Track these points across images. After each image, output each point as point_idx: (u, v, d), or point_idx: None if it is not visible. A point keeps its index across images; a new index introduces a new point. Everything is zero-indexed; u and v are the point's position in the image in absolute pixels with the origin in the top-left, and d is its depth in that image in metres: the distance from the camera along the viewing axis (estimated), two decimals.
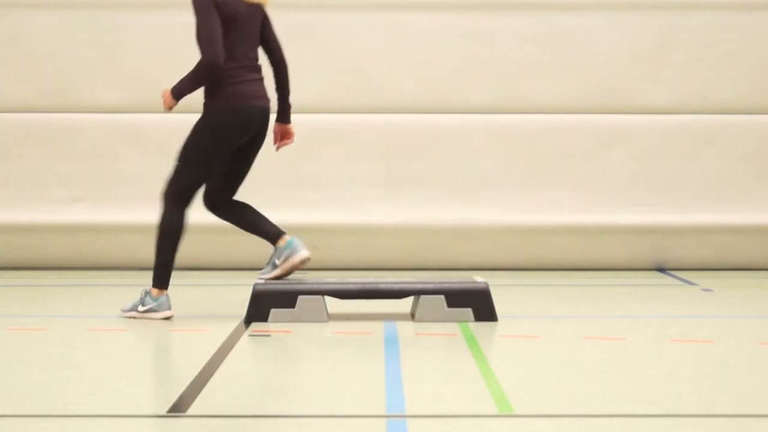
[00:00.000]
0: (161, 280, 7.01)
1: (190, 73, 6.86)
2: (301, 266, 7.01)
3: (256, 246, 9.86)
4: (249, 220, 7.25)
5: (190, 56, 9.88)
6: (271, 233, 7.10)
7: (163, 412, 4.66)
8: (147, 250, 9.84)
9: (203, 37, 6.75)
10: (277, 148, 7.29)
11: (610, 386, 5.21)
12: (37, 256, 9.88)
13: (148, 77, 9.89)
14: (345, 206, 9.85)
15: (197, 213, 9.89)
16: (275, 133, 7.24)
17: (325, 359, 5.96)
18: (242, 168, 7.18)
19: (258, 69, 6.99)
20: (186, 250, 9.85)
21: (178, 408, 4.72)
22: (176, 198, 7.04)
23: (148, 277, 9.42)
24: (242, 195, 9.90)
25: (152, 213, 9.87)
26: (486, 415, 4.64)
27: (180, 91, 6.90)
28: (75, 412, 4.69)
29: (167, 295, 7.03)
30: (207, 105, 6.93)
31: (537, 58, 9.96)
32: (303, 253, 6.98)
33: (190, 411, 4.69)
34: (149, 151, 9.88)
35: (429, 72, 9.99)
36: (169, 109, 7.00)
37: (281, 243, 7.03)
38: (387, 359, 5.81)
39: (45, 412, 4.68)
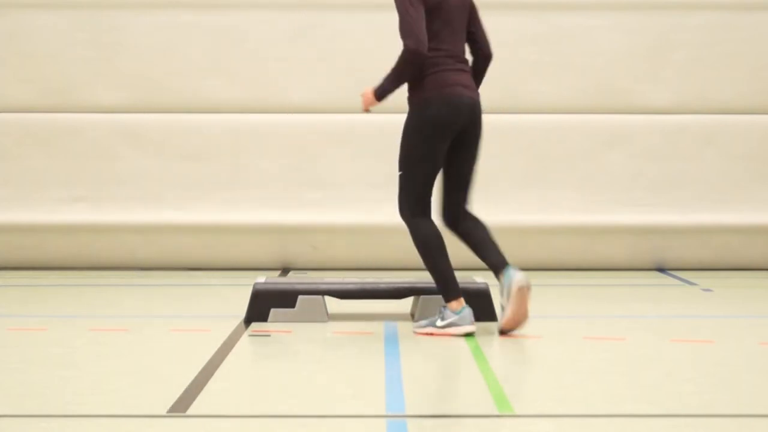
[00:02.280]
0: (451, 291, 6.54)
1: (392, 69, 6.50)
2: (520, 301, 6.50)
3: (256, 246, 9.90)
4: (476, 242, 6.78)
5: (191, 56, 9.94)
6: (495, 264, 6.63)
7: (163, 412, 4.67)
8: (147, 250, 9.90)
9: (405, 27, 6.42)
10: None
11: (610, 386, 5.21)
12: (37, 256, 9.88)
13: (148, 77, 9.90)
14: (345, 206, 9.85)
15: (198, 213, 9.92)
16: None
17: (325, 359, 5.96)
18: (460, 170, 6.79)
19: (465, 61, 6.67)
20: (186, 249, 9.90)
21: (178, 408, 4.72)
22: (414, 212, 6.61)
23: (148, 277, 9.46)
24: (241, 194, 9.94)
25: (152, 213, 9.93)
26: (486, 415, 4.64)
27: (384, 89, 6.53)
28: (75, 412, 4.69)
29: (467, 307, 6.56)
30: (411, 99, 6.57)
31: (537, 58, 9.96)
32: (520, 283, 6.47)
33: (190, 411, 4.69)
34: (149, 151, 9.89)
35: None
36: (367, 111, 6.66)
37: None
38: (387, 359, 5.81)
39: (45, 412, 4.68)
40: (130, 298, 8.44)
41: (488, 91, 10.06)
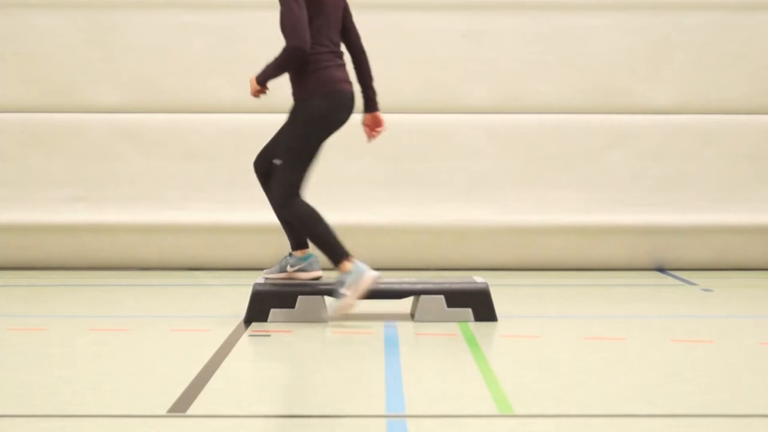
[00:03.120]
0: (339, 254, 6.77)
1: (274, 59, 6.75)
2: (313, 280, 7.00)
3: (256, 246, 9.90)
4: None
5: (191, 56, 9.94)
6: (298, 238, 7.00)
7: (163, 412, 4.67)
8: (147, 249, 9.89)
9: (288, 23, 6.66)
10: (371, 139, 7.10)
11: (610, 386, 5.21)
12: (38, 256, 9.88)
13: (149, 77, 9.90)
14: (345, 206, 9.84)
15: (198, 213, 9.92)
16: (366, 125, 7.07)
17: (325, 359, 5.96)
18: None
19: (342, 55, 6.88)
20: (186, 249, 9.90)
21: (178, 408, 4.72)
22: (289, 196, 6.81)
23: (148, 277, 9.45)
24: (241, 194, 9.93)
25: (152, 213, 9.93)
26: (486, 415, 4.64)
27: (265, 75, 6.78)
28: (75, 412, 4.69)
29: (355, 262, 6.77)
30: (299, 95, 6.81)
31: (537, 58, 9.96)
32: (317, 273, 7.01)
33: (190, 411, 4.69)
34: (149, 151, 9.89)
35: (429, 72, 9.99)
36: (256, 95, 6.88)
37: (299, 254, 7.01)
38: (387, 359, 5.81)
39: (45, 412, 4.68)
40: (130, 298, 8.44)
41: (488, 91, 10.11)
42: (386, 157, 9.94)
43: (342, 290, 6.72)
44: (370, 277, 6.74)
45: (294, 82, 6.84)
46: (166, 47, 9.91)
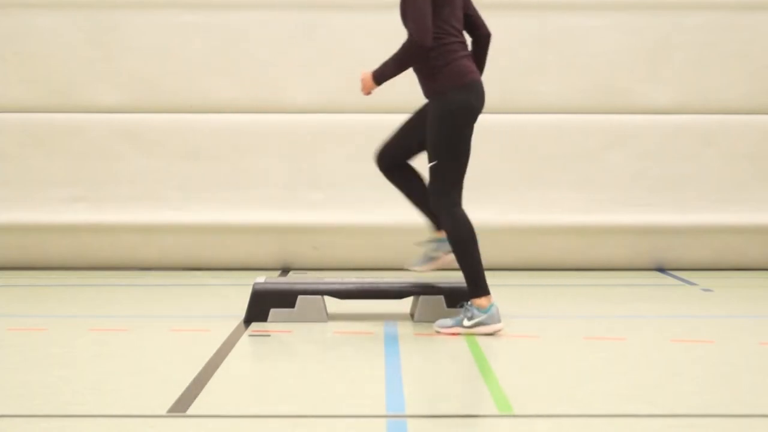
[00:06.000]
0: (480, 288, 6.51)
1: (394, 55, 6.51)
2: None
3: (256, 246, 9.90)
4: (417, 191, 6.81)
5: (190, 56, 9.94)
6: (436, 218, 6.74)
7: (163, 412, 4.67)
8: (147, 250, 9.89)
9: (412, 17, 6.41)
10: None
11: (610, 386, 5.21)
12: (38, 256, 9.88)
13: (149, 77, 9.90)
14: (345, 206, 9.85)
15: (198, 213, 9.92)
16: None
17: (325, 359, 5.96)
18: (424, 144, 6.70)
19: (467, 45, 6.70)
20: (186, 250, 9.90)
21: (178, 408, 4.72)
22: (450, 202, 6.55)
23: (148, 277, 9.45)
24: (241, 194, 9.94)
25: (152, 213, 9.93)
26: (486, 415, 4.64)
27: (383, 73, 6.55)
28: (75, 412, 4.69)
29: (495, 304, 6.54)
30: (434, 90, 6.57)
31: (537, 58, 9.96)
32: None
33: (190, 411, 4.69)
34: (149, 151, 9.89)
35: None
36: (368, 93, 6.66)
37: (441, 235, 6.76)
38: (387, 359, 5.81)
39: (45, 412, 4.68)
40: (130, 298, 8.44)
41: (489, 91, 10.09)
42: None
43: (466, 321, 6.51)
44: (498, 327, 6.50)
45: (426, 77, 6.59)
46: (166, 47, 9.91)
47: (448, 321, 6.59)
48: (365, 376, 5.46)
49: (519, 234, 9.88)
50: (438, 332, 6.58)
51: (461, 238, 6.55)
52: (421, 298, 6.99)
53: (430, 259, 6.87)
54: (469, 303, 6.56)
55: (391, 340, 6.35)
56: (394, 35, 10.04)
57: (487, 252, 9.89)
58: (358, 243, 9.90)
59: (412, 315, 7.10)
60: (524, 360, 5.91)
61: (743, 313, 7.65)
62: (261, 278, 7.17)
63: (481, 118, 9.99)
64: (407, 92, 9.98)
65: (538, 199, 9.93)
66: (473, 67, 6.63)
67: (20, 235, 9.84)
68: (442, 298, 6.96)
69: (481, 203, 9.96)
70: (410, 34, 6.45)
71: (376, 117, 9.87)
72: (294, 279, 7.89)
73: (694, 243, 9.92)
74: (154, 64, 9.91)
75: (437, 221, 6.77)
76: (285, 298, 6.94)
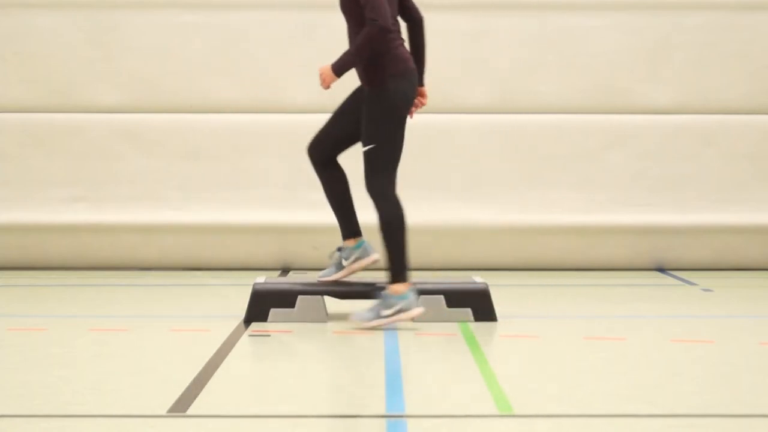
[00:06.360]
0: (402, 273, 6.58)
1: (354, 45, 6.52)
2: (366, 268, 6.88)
3: (256, 246, 9.89)
4: (340, 195, 6.92)
5: (190, 56, 9.93)
6: (350, 226, 6.88)
7: (163, 412, 4.67)
8: (147, 250, 9.89)
9: (370, 3, 6.41)
10: (412, 114, 6.82)
11: (610, 386, 5.21)
12: (38, 256, 9.88)
13: (148, 77, 9.90)
14: None
15: (198, 213, 9.91)
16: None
17: (325, 359, 5.96)
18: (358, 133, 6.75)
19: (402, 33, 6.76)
20: (186, 250, 9.90)
21: (178, 408, 4.72)
22: (385, 183, 6.66)
23: (148, 277, 9.45)
24: (241, 194, 9.93)
25: (152, 213, 9.93)
26: (486, 415, 4.64)
27: (343, 64, 6.56)
28: (75, 412, 4.69)
29: (413, 290, 6.61)
30: (377, 78, 6.59)
31: (537, 58, 9.96)
32: (375, 256, 6.82)
33: (190, 411, 4.69)
34: (149, 151, 9.89)
35: (429, 72, 9.96)
36: (327, 87, 6.68)
37: (352, 243, 6.90)
38: (387, 359, 5.81)
39: (45, 412, 4.68)
40: (130, 298, 8.44)
41: (488, 91, 10.11)
42: None
43: (385, 311, 6.57)
44: (416, 312, 6.59)
45: (367, 65, 6.61)
46: (166, 47, 9.91)
47: (367, 314, 6.63)
48: (365, 376, 5.45)
49: (519, 234, 9.88)
50: (362, 327, 6.59)
51: (392, 220, 6.64)
52: (421, 298, 6.98)
53: (340, 268, 6.95)
54: (385, 292, 6.60)
55: (391, 340, 6.34)
56: None
57: (487, 252, 9.95)
58: None
59: None
60: (524, 360, 5.91)
61: (743, 313, 7.65)
62: (261, 278, 7.17)
63: (481, 118, 10.07)
64: None
65: (538, 199, 9.93)
66: (409, 55, 6.70)
67: (20, 235, 9.84)
68: (442, 297, 6.96)
69: (481, 203, 9.96)
70: (371, 19, 6.45)
71: None
72: (294, 279, 7.90)
73: (694, 243, 9.92)
74: (154, 64, 9.91)
75: (349, 230, 6.91)
76: (285, 298, 6.94)
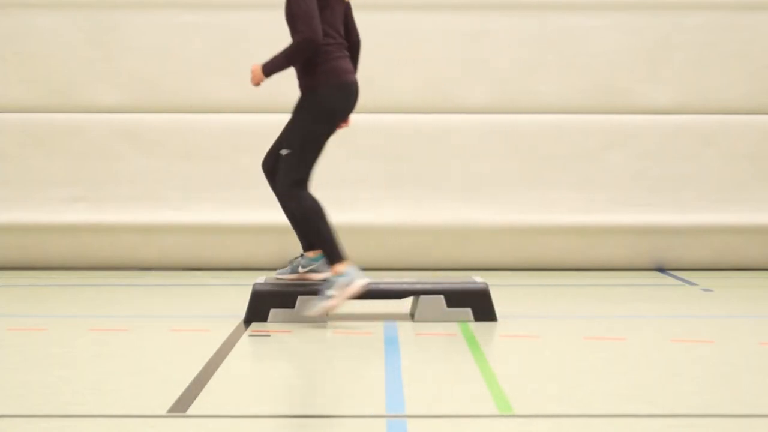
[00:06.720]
0: (337, 255, 6.73)
1: (284, 50, 6.70)
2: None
3: (256, 246, 9.90)
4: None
5: (190, 56, 9.94)
6: (309, 241, 6.97)
7: (163, 412, 4.67)
8: (147, 250, 9.89)
9: (301, 13, 6.62)
10: (341, 128, 6.96)
11: (610, 386, 5.21)
12: (38, 256, 9.88)
13: (148, 77, 9.90)
14: (345, 206, 9.84)
15: (198, 213, 9.92)
16: None
17: (325, 359, 5.96)
18: None
19: (347, 47, 6.91)
20: (186, 249, 9.90)
21: (178, 408, 4.72)
22: (296, 186, 6.79)
23: (148, 277, 9.45)
24: (240, 194, 9.94)
25: (152, 213, 9.93)
26: (486, 415, 4.64)
27: (273, 67, 6.73)
28: (75, 412, 4.69)
29: (352, 265, 6.77)
30: (308, 86, 6.77)
31: (537, 58, 9.96)
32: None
33: (190, 411, 4.69)
34: (149, 151, 9.89)
35: (429, 72, 9.99)
36: (257, 85, 6.82)
37: (311, 255, 6.99)
38: (387, 359, 5.81)
39: (45, 412, 4.68)
40: (130, 298, 8.44)
41: (488, 91, 10.11)
42: (386, 157, 9.95)
43: (329, 291, 6.71)
44: (360, 284, 6.73)
45: (302, 73, 6.81)
46: (166, 47, 9.91)
47: (318, 302, 6.72)
48: (365, 376, 5.46)
49: (519, 234, 9.88)
50: (317, 313, 6.73)
51: (308, 213, 6.79)
52: (421, 298, 6.99)
53: (294, 271, 7.05)
54: (330, 278, 6.72)
55: (391, 340, 6.35)
56: (393, 35, 10.07)
57: (487, 252, 9.95)
58: (358, 243, 9.89)
59: (412, 315, 7.10)
60: (524, 360, 5.91)
61: (743, 313, 7.65)
62: (261, 278, 7.17)
63: (481, 118, 10.07)
64: (408, 92, 10.00)
65: (538, 199, 9.93)
66: (350, 68, 6.85)
67: (20, 235, 9.84)
68: (442, 297, 6.96)
69: (481, 203, 9.97)
70: (301, 32, 6.62)
71: (376, 117, 9.88)
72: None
73: (694, 243, 9.92)
74: (154, 64, 9.91)
75: (309, 242, 6.97)
76: (285, 298, 6.94)
